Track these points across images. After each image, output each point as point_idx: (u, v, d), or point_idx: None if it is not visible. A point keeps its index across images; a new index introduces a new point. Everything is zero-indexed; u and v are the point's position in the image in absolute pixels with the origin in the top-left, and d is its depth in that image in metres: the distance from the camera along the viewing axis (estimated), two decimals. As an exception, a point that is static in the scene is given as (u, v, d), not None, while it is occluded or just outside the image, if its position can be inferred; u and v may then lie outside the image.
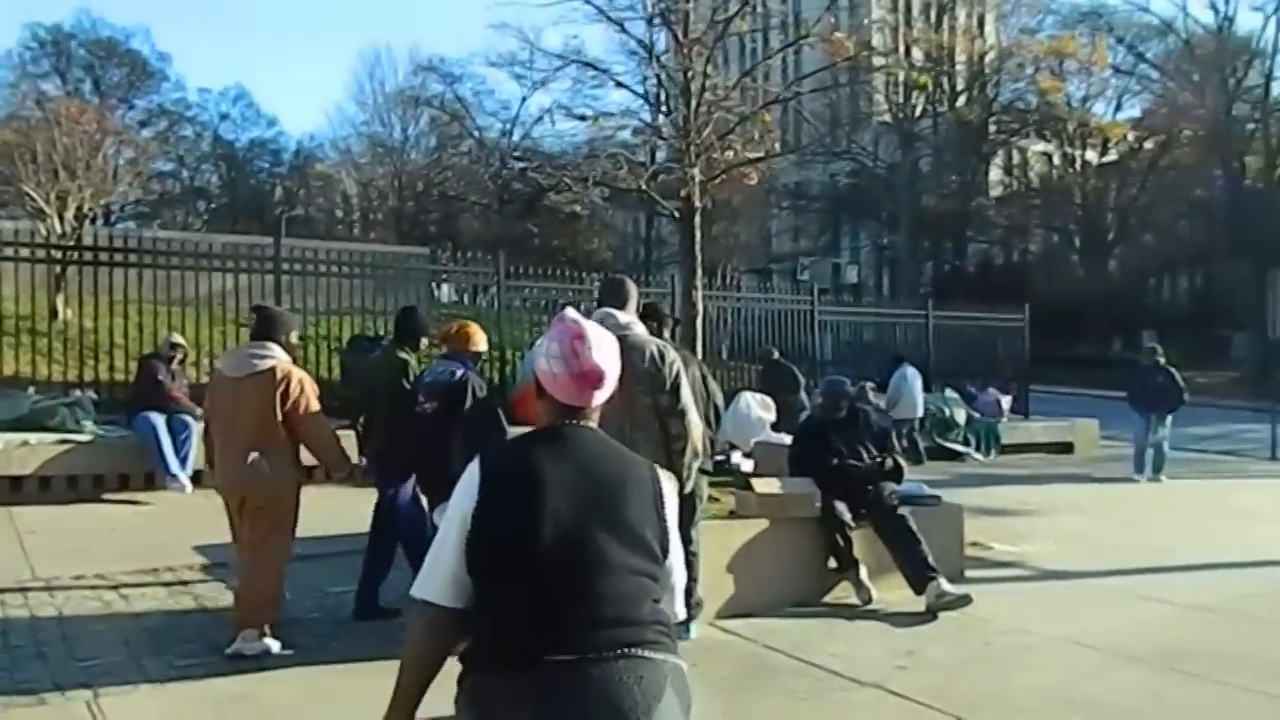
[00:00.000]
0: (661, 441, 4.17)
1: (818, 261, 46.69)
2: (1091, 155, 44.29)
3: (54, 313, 11.20)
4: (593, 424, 2.04)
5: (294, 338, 5.04)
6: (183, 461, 8.47)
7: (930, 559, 5.82)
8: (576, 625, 1.78)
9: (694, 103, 7.28)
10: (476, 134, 42.44)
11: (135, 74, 43.70)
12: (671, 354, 4.33)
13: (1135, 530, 8.80)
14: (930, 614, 5.64)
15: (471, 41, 67.04)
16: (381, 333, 11.12)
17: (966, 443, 14.05)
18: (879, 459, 6.10)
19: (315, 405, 4.85)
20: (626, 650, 1.79)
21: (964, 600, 5.66)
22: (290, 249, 11.20)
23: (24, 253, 9.69)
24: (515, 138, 41.14)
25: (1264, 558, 7.55)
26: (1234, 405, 24.82)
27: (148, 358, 8.93)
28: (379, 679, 2.09)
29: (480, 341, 5.46)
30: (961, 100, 42.24)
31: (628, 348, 4.12)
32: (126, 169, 14.41)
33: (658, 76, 8.44)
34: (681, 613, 2.02)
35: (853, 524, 5.89)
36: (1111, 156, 43.60)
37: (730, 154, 7.65)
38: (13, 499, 7.97)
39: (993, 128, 43.19)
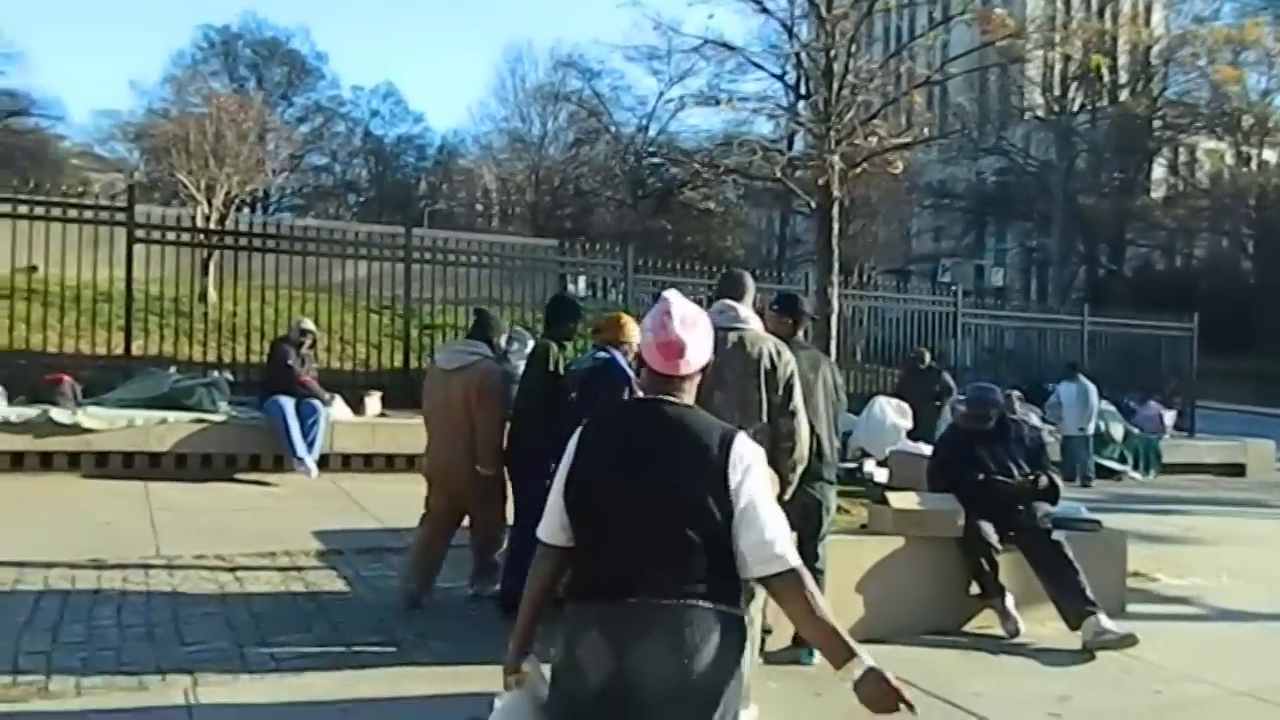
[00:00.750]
0: (771, 439, 3.90)
1: (960, 263, 44.85)
2: (1270, 154, 40.97)
3: (202, 296, 11.62)
4: (686, 399, 2.25)
5: (502, 340, 5.75)
6: (310, 445, 8.56)
7: (1088, 591, 5.21)
8: (633, 571, 2.07)
9: (835, 85, 6.78)
10: (613, 129, 42.56)
11: (295, 72, 45.86)
12: (788, 353, 4.08)
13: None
14: (1087, 653, 5.04)
15: (611, 36, 67.43)
16: (508, 322, 11.05)
17: (1124, 460, 13.01)
18: (1032, 476, 5.51)
19: (494, 402, 5.26)
20: (680, 601, 2.05)
21: (1127, 640, 5.03)
22: (421, 239, 11.27)
23: (171, 236, 10.03)
24: (651, 132, 41.05)
25: None
26: None
27: (279, 342, 9.08)
28: (473, 684, 2.19)
29: (634, 331, 5.15)
30: (1124, 94, 39.73)
31: (745, 342, 3.88)
32: (274, 158, 14.89)
33: (797, 56, 7.94)
34: (781, 562, 2.11)
35: (999, 547, 5.33)
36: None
37: (873, 140, 7.13)
38: (151, 475, 8.22)
39: (1157, 123, 40.44)
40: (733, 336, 3.94)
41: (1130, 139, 39.48)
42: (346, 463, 9.09)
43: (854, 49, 6.88)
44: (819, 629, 2.09)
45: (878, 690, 2.01)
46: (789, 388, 4.01)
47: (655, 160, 41.16)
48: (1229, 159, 42.76)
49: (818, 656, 4.67)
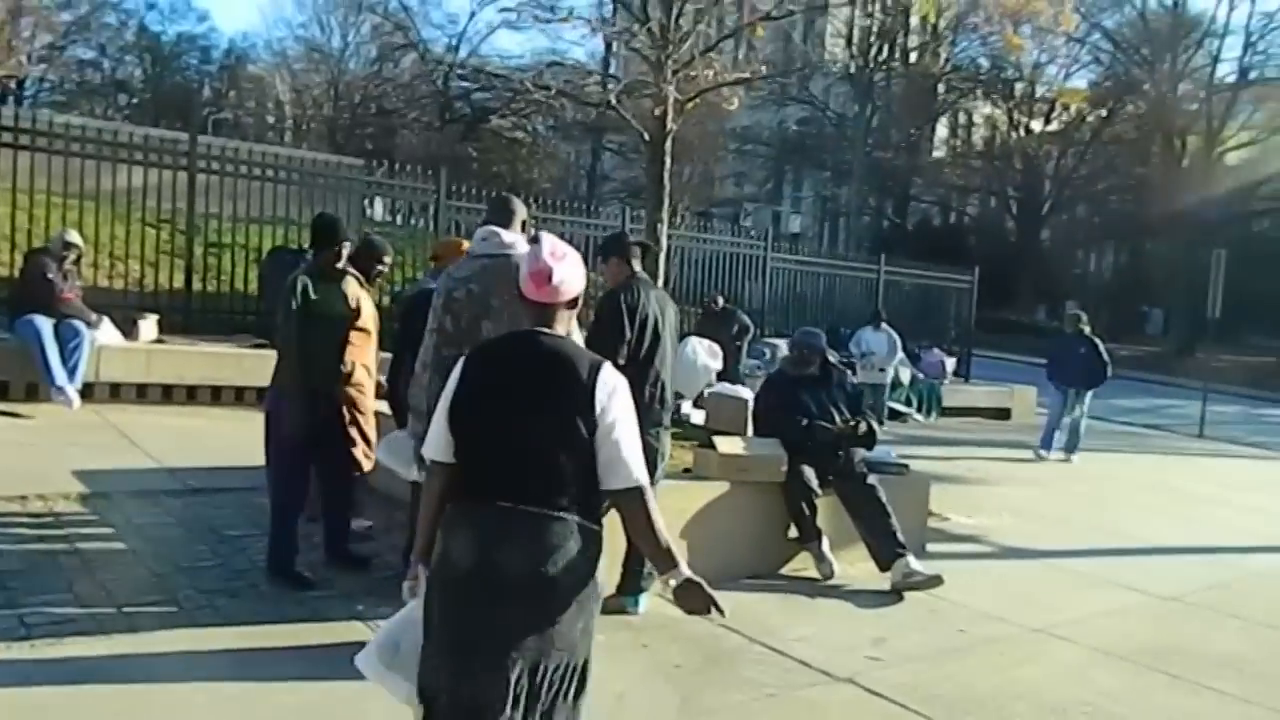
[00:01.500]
0: None
1: (760, 209, 46.20)
2: (1036, 124, 44.36)
3: (-66, 196, 10.00)
4: (560, 330, 2.46)
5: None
6: (71, 372, 7.56)
7: (899, 534, 5.36)
8: (502, 481, 2.30)
9: (675, 9, 6.49)
10: (421, 46, 40.48)
11: (55, -48, 40.52)
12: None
13: (1085, 506, 8.54)
14: (896, 594, 5.20)
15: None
16: (305, 245, 10.21)
17: (909, 403, 13.76)
18: (852, 422, 5.58)
19: None
20: (544, 509, 2.27)
21: (934, 581, 5.22)
22: (208, 146, 10.16)
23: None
24: (462, 53, 39.41)
25: (1215, 543, 7.37)
26: (1158, 380, 25.30)
27: (35, 252, 7.92)
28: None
29: None
30: (914, 56, 41.73)
31: (509, 267, 3.60)
32: (29, 43, 12.96)
33: None
34: (629, 479, 2.34)
35: (820, 491, 5.38)
36: (1054, 126, 43.71)
37: (710, 74, 6.91)
38: None
39: (942, 88, 42.83)
40: (498, 262, 3.78)
41: (919, 100, 41.62)
42: (115, 393, 8.14)
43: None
44: (652, 542, 2.34)
45: (694, 596, 2.30)
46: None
47: (466, 83, 39.62)
48: (1002, 125, 46.02)
49: (643, 604, 4.56)
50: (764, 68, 8.21)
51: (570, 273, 2.45)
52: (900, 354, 13.20)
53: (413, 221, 13.03)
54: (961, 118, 47.75)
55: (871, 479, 5.50)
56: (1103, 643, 4.77)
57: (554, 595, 2.27)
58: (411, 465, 4.23)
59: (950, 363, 14.95)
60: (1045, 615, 5.10)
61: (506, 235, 3.92)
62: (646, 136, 7.38)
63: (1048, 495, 8.85)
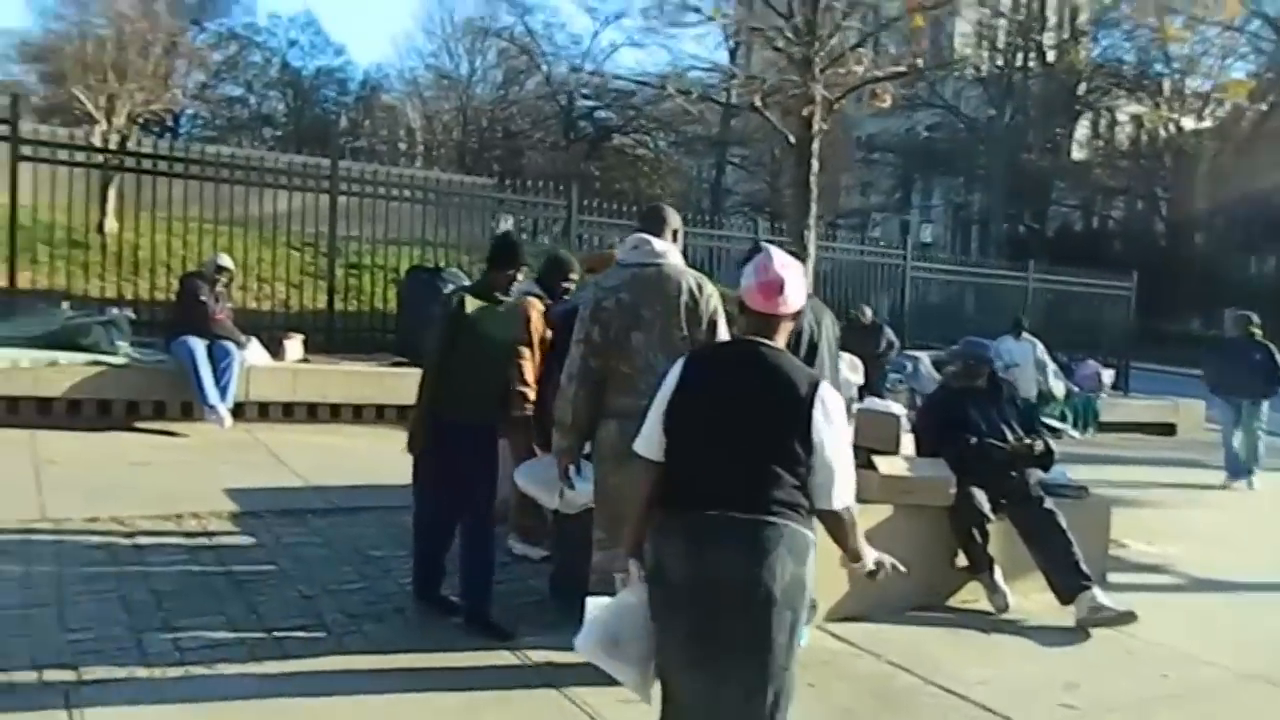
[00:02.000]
0: None
1: (888, 218, 44.95)
2: (1188, 121, 41.70)
3: (100, 225, 10.54)
4: (779, 343, 2.52)
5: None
6: (223, 392, 7.75)
7: (1082, 563, 4.86)
8: (718, 489, 2.34)
9: (821, 2, 6.17)
10: (545, 68, 41.20)
11: (208, -4, 43.08)
12: (710, 287, 3.74)
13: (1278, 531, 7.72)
14: (1082, 631, 4.70)
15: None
16: (442, 264, 10.31)
17: (1064, 418, 12.88)
18: (1027, 440, 5.11)
19: None
20: (756, 515, 2.32)
21: (1126, 618, 4.70)
22: (348, 169, 10.37)
23: (63, 155, 8.92)
24: (586, 72, 39.87)
25: None
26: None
27: (189, 276, 8.18)
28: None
29: None
30: (1051, 55, 39.86)
31: (661, 277, 3.62)
32: (184, 78, 13.60)
33: None
34: (839, 502, 2.45)
35: (992, 516, 4.93)
36: (1208, 123, 40.97)
37: (859, 69, 6.54)
38: (40, 422, 7.34)
39: (1083, 86, 40.74)
40: (649, 272, 3.62)
41: (1059, 100, 39.75)
42: (264, 412, 8.31)
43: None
44: (845, 545, 2.56)
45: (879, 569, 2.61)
46: (713, 324, 3.69)
47: (589, 102, 40.08)
48: (1149, 123, 43.45)
49: (805, 637, 4.23)
50: (919, 60, 7.71)
51: (798, 284, 2.52)
52: (1050, 365, 12.40)
53: (536, 237, 13.03)
54: (1104, 117, 45.37)
55: (1049, 503, 5.02)
56: (1333, 693, 4.17)
57: (772, 600, 2.30)
58: (554, 492, 4.04)
59: (1108, 375, 13.98)
60: (1255, 658, 4.51)
61: (658, 244, 3.74)
62: (792, 139, 7.06)
63: (1234, 519, 8.05)
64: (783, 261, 2.54)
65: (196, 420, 7.68)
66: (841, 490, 2.43)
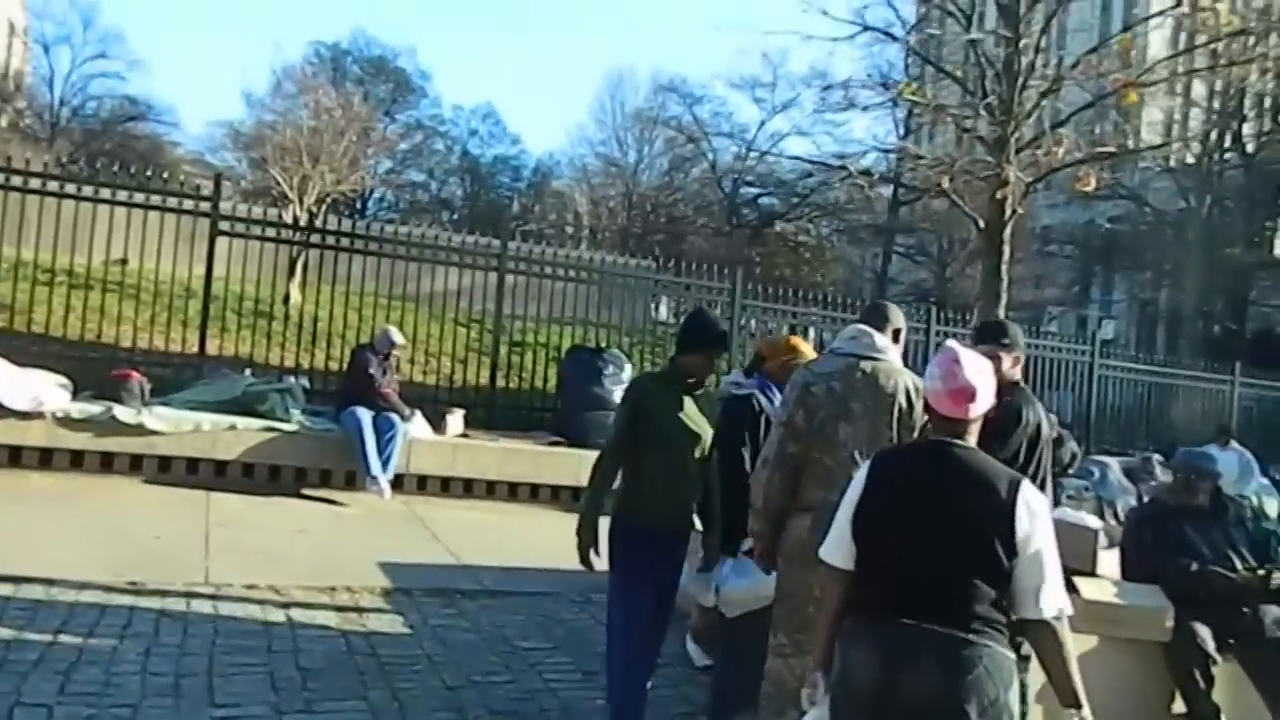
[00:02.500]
0: None
1: (1065, 312, 42.75)
2: None
3: (285, 297, 11.11)
4: (970, 442, 2.41)
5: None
6: (385, 463, 7.84)
7: (1334, 725, 4.10)
8: (916, 599, 2.23)
9: (1020, 80, 5.81)
10: (711, 156, 41.89)
11: (399, 90, 46.39)
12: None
13: None
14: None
15: (714, 63, 66.37)
16: (602, 344, 10.29)
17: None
18: (1261, 569, 4.42)
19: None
20: (954, 631, 2.20)
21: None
22: (517, 248, 10.57)
23: (256, 230, 9.48)
24: (750, 160, 40.30)
25: None
26: None
27: (361, 348, 8.41)
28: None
29: (809, 353, 4.20)
30: (1250, 145, 37.39)
31: (878, 374, 3.49)
32: (372, 164, 14.42)
33: (974, 48, 6.81)
34: (1046, 612, 2.30)
35: (1217, 658, 4.25)
36: None
37: (1059, 150, 6.10)
38: (215, 484, 7.60)
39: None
40: (865, 366, 3.46)
41: (1260, 192, 37.11)
42: (423, 485, 8.36)
43: (1044, 42, 5.85)
44: (1064, 675, 2.32)
45: None
46: (925, 429, 3.25)
47: (752, 188, 40.34)
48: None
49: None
50: (1128, 142, 7.18)
51: (988, 389, 2.41)
52: (1261, 479, 11.14)
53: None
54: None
55: (1288, 646, 4.29)
56: None
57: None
58: (710, 587, 3.74)
59: (1328, 492, 12.46)
60: None
61: (879, 339, 3.54)
62: (981, 224, 6.64)
63: None
64: (975, 366, 2.42)
65: (359, 490, 7.79)
66: (1051, 594, 2.28)
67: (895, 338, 3.65)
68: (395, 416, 8.01)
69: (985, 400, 2.41)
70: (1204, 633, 4.25)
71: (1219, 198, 36.79)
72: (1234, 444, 11.12)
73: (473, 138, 48.72)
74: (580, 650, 4.79)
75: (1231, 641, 4.33)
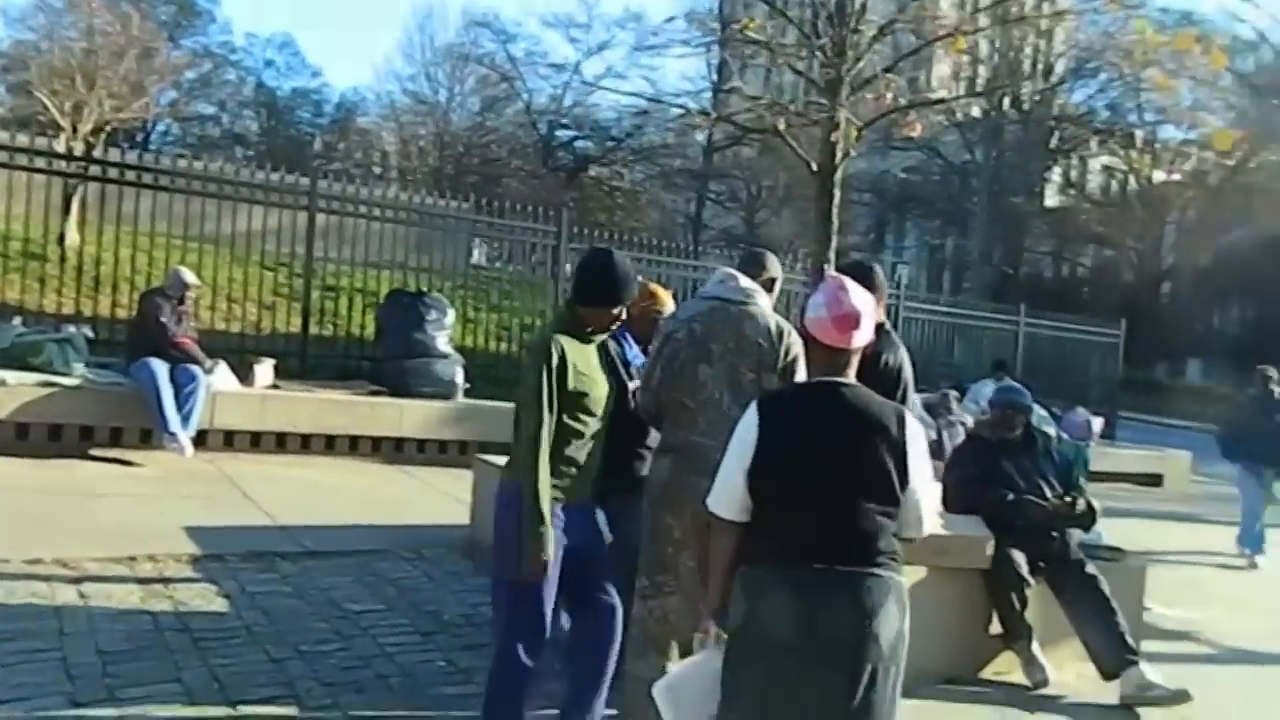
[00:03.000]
0: None
1: (865, 258, 45.14)
2: (1159, 173, 42.35)
3: (61, 237, 9.97)
4: (851, 378, 2.42)
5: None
6: (185, 419, 7.20)
7: (1129, 635, 4.48)
8: (827, 542, 2.27)
9: (852, 22, 5.87)
10: (526, 96, 41.01)
11: (183, 12, 42.49)
12: (794, 336, 3.45)
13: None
14: (1129, 710, 4.31)
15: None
16: (423, 289, 9.85)
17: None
18: (1068, 497, 4.73)
19: None
20: (863, 568, 2.26)
21: (1180, 697, 4.31)
22: (328, 187, 9.90)
23: (22, 160, 8.33)
24: (566, 102, 39.76)
25: None
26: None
27: (150, 294, 7.61)
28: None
29: (668, 302, 4.05)
30: (1026, 104, 40.36)
31: (742, 315, 3.45)
32: (156, 88, 13.11)
33: None
34: (925, 530, 2.46)
35: (1031, 580, 4.54)
36: (1177, 176, 41.68)
37: (888, 97, 6.24)
38: (-18, 447, 6.76)
39: (1057, 135, 41.28)
40: (728, 309, 3.43)
41: (1034, 148, 40.21)
42: (229, 441, 7.77)
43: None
44: None
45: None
46: (790, 370, 3.42)
47: (568, 131, 39.91)
48: (1120, 175, 44.10)
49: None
50: (963, 86, 7.41)
51: (870, 319, 2.41)
52: (1040, 410, 12.11)
53: (516, 266, 12.63)
54: (1077, 166, 46.00)
55: (1091, 567, 4.64)
56: None
57: (878, 656, 2.22)
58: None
59: (1098, 423, 13.72)
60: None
61: (745, 282, 3.50)
62: (814, 167, 6.73)
63: (1250, 581, 7.75)
64: (860, 295, 2.42)
65: (156, 449, 7.14)
66: (929, 515, 2.45)
67: (769, 287, 3.63)
68: (195, 368, 7.35)
69: (867, 331, 2.41)
70: (1019, 558, 4.53)
71: (1001, 151, 39.53)
72: (1006, 379, 11.94)
73: (268, 69, 45.45)
74: (415, 610, 4.57)
75: (1042, 565, 4.64)
